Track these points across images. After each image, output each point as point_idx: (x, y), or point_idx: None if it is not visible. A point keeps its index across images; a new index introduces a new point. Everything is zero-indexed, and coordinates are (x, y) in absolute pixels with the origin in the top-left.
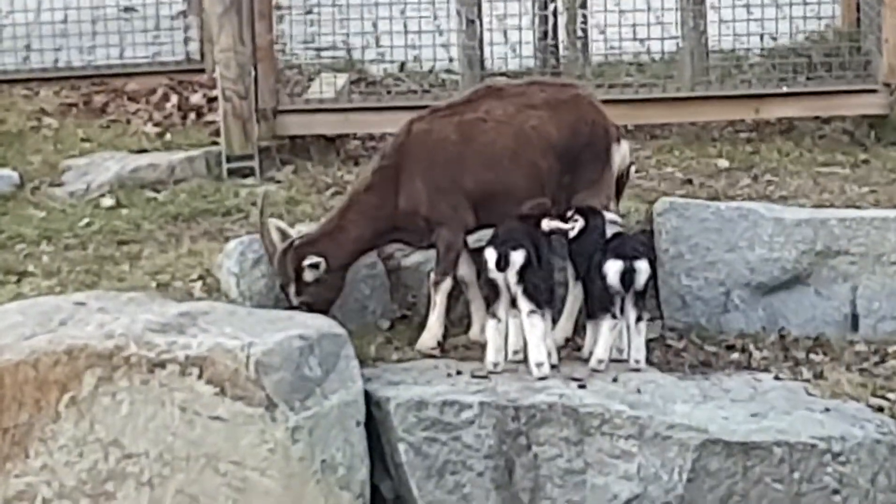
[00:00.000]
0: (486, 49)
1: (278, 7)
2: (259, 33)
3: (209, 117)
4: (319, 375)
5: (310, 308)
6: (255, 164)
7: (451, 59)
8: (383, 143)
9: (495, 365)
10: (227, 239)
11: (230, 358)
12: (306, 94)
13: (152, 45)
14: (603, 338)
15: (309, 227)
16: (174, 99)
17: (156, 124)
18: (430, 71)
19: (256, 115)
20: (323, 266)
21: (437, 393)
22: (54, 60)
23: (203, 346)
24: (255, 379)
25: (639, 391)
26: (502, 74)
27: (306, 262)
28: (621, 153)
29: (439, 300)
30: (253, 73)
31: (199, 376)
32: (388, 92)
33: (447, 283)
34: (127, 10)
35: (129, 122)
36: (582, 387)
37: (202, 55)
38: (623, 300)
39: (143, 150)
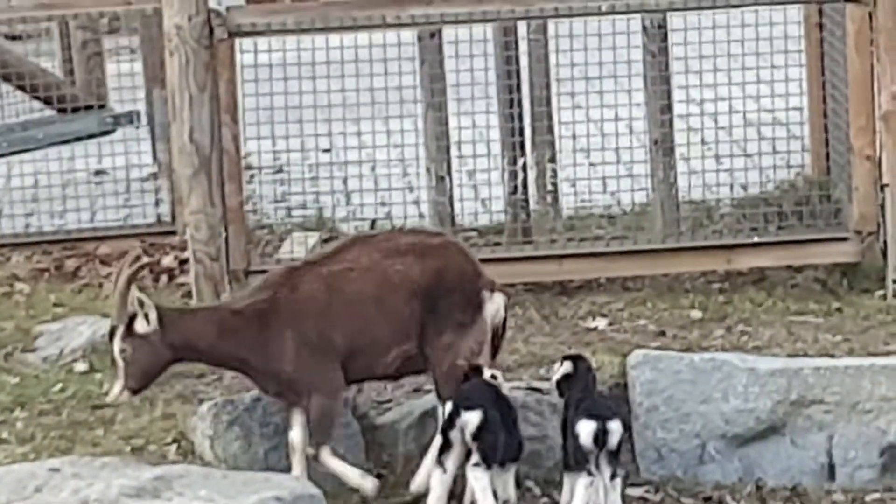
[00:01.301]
0: (457, 205)
1: (248, 167)
2: (229, 194)
3: (181, 279)
4: None
5: (125, 366)
6: None
7: (421, 216)
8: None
9: None
10: (200, 401)
11: None
12: (277, 254)
13: (123, 207)
14: (578, 496)
15: None
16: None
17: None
18: (401, 228)
19: (228, 276)
20: (155, 324)
21: None
22: (25, 226)
23: None
24: None
25: None
26: (473, 230)
27: (144, 302)
28: (495, 303)
29: (337, 463)
30: (224, 234)
31: None
32: None
33: (327, 451)
34: (97, 173)
35: (101, 285)
36: None
37: (173, 217)
38: (597, 457)
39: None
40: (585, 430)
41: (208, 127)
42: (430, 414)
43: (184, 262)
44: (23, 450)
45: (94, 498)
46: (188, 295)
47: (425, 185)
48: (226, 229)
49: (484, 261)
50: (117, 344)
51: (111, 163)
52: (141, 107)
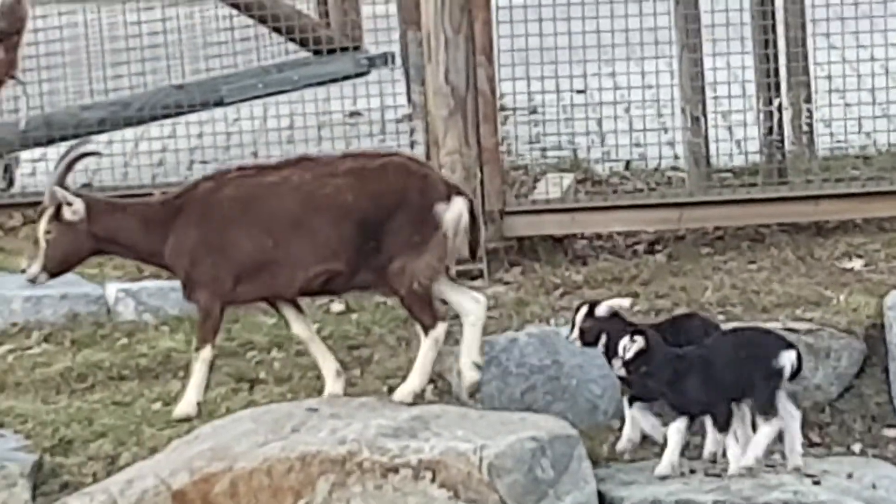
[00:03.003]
0: (712, 146)
1: (503, 108)
2: (484, 135)
3: None
4: (552, 477)
5: (46, 248)
6: (483, 266)
7: (676, 157)
8: (610, 241)
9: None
10: (456, 341)
11: (463, 461)
12: (532, 195)
13: (378, 148)
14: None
15: None
16: None
17: None
18: (656, 169)
19: (483, 217)
20: (82, 213)
21: (671, 492)
22: None
23: (436, 449)
24: (489, 482)
25: (874, 486)
26: (728, 171)
27: (73, 199)
28: (454, 210)
29: (198, 368)
30: (479, 175)
31: (433, 480)
32: (615, 191)
33: (207, 352)
34: (352, 114)
35: None
36: (816, 483)
37: (427, 158)
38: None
39: None
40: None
41: (464, 68)
42: None
43: None
44: (280, 389)
45: (351, 437)
46: None
47: (680, 126)
48: (481, 170)
49: (739, 202)
50: (42, 225)
51: (366, 104)
52: (395, 48)
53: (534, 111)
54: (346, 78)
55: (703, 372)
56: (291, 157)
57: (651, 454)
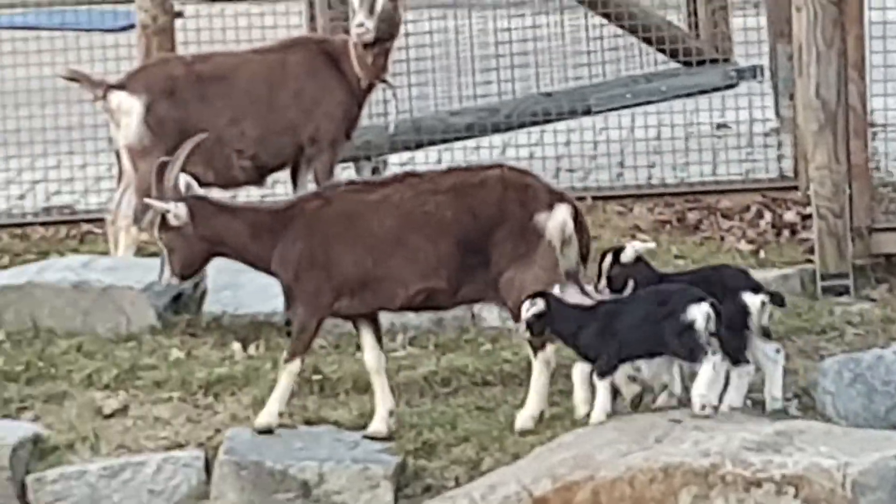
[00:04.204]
0: None
1: (871, 125)
2: (854, 151)
3: (803, 235)
4: None
5: (168, 254)
6: (849, 282)
7: None
8: None
9: None
10: (822, 357)
11: (826, 477)
12: None
13: (745, 161)
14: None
15: None
16: (768, 216)
17: (749, 241)
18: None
19: (851, 233)
20: (185, 217)
21: None
22: (647, 177)
23: (799, 465)
24: (852, 499)
25: None
26: None
27: (169, 206)
28: (557, 218)
29: (284, 381)
30: (847, 190)
31: (795, 496)
32: None
33: (295, 365)
34: (720, 126)
35: (722, 238)
36: None
37: (795, 172)
38: None
39: None
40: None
41: (835, 83)
42: None
43: (806, 217)
44: (644, 400)
45: (714, 450)
46: (810, 251)
47: None
48: (850, 186)
49: None
50: (156, 233)
51: (734, 116)
52: (764, 61)
53: None
54: (714, 90)
55: (605, 326)
56: (399, 173)
57: None
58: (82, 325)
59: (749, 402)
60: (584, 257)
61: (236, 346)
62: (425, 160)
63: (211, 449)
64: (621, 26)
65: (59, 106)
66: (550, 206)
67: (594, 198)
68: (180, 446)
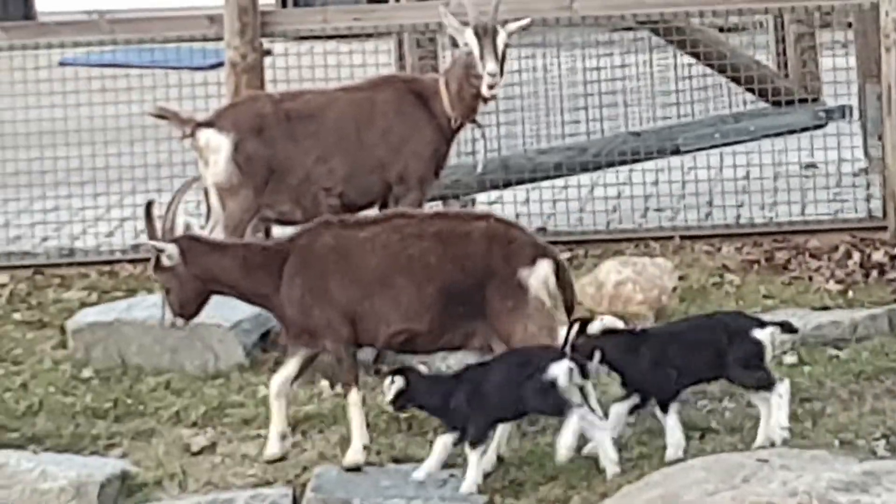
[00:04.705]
0: None
1: None
2: None
3: (891, 275)
4: None
5: (166, 295)
6: None
7: None
8: None
9: None
10: None
11: None
12: None
13: (833, 201)
14: None
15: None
16: (856, 256)
17: (837, 281)
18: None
19: None
20: (177, 258)
21: None
22: (736, 216)
23: None
24: None
25: None
26: None
27: (162, 246)
28: (539, 274)
29: (353, 414)
30: None
31: None
32: None
33: (354, 395)
34: (808, 166)
35: (810, 279)
36: None
37: (884, 212)
38: None
39: (825, 308)
40: None
41: None
42: None
43: (894, 257)
44: (731, 440)
45: (802, 489)
46: None
47: None
48: None
49: None
50: (152, 275)
51: (822, 156)
52: (853, 101)
53: None
54: (803, 129)
55: (470, 393)
56: (388, 211)
57: None
58: (170, 363)
59: (837, 443)
60: (568, 311)
61: (324, 383)
62: (513, 199)
63: (298, 486)
64: (710, 66)
65: (148, 144)
66: (533, 261)
67: (682, 237)
68: (268, 483)
